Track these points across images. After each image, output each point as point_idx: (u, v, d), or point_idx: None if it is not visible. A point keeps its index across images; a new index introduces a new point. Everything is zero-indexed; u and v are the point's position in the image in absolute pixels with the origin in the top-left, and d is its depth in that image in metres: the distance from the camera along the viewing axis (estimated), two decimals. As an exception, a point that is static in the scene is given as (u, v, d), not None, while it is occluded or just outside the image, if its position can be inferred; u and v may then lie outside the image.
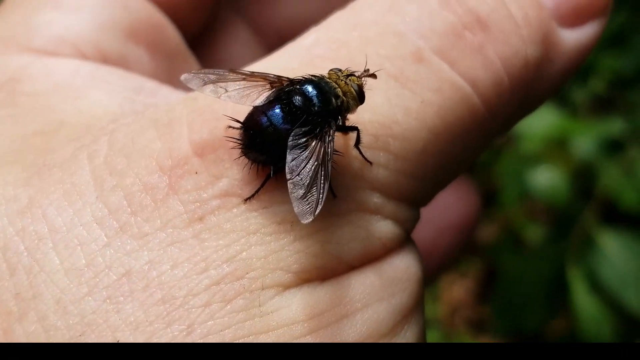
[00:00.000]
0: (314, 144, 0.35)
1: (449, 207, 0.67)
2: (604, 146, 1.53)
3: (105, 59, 0.45)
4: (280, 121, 0.36)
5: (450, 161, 0.38)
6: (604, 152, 1.53)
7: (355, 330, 0.33)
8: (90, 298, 0.32)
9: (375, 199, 0.36)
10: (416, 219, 0.39)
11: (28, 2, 0.45)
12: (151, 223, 0.34)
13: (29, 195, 0.35)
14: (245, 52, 0.60)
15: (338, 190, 0.36)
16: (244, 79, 0.37)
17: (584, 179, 1.56)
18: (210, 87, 0.37)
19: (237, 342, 0.31)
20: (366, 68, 0.37)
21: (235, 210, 0.34)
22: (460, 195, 0.67)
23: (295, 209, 0.33)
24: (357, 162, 0.36)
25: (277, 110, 0.36)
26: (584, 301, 1.44)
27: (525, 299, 1.46)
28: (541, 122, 1.55)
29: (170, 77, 0.49)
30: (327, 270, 0.34)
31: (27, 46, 0.44)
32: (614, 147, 1.53)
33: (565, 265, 1.46)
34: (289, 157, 0.34)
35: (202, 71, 0.38)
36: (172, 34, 0.50)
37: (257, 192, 0.34)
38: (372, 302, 0.34)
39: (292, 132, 0.35)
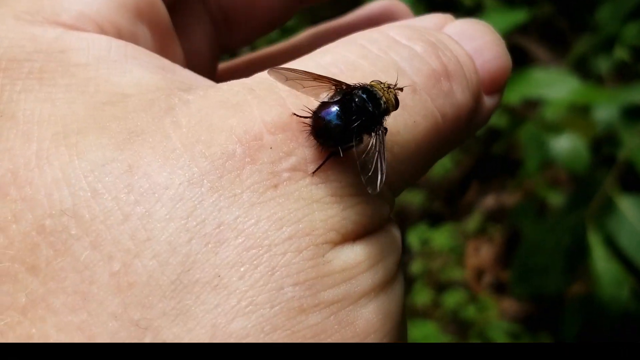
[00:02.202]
0: (372, 135, 0.44)
1: None
2: (626, 113, 1.54)
3: (121, 35, 0.49)
4: (343, 115, 0.44)
5: (422, 163, 0.49)
6: (626, 119, 1.54)
7: (379, 275, 0.42)
8: (194, 241, 0.38)
9: (385, 190, 0.45)
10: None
11: None
12: (237, 185, 0.40)
13: (126, 157, 0.40)
14: (197, 23, 0.64)
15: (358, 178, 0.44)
16: (315, 79, 0.44)
17: (606, 146, 1.57)
18: (291, 82, 0.44)
19: (308, 282, 0.39)
20: (396, 82, 0.46)
21: (301, 182, 0.41)
22: None
23: (365, 182, 0.42)
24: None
25: (341, 107, 0.44)
26: (603, 265, 1.47)
27: (545, 263, 1.49)
28: (564, 89, 1.56)
29: (162, 51, 0.53)
30: (357, 234, 0.43)
31: (56, 20, 0.47)
32: (636, 115, 1.54)
33: (585, 230, 1.48)
34: (356, 145, 0.44)
35: (283, 68, 0.44)
36: (164, 13, 0.54)
37: (319, 167, 0.42)
38: (386, 255, 0.44)
39: (354, 126, 0.44)
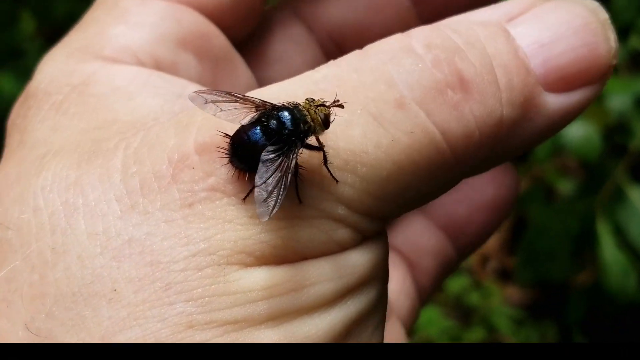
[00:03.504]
0: (281, 159, 0.43)
1: (484, 186, 0.70)
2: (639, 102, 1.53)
3: (159, 65, 0.54)
4: (257, 138, 0.44)
5: (413, 190, 0.44)
6: (639, 109, 1.53)
7: (301, 299, 0.41)
8: (101, 256, 0.40)
9: (340, 211, 0.43)
10: (381, 227, 0.46)
11: (103, 18, 0.54)
12: (153, 204, 0.41)
13: (76, 176, 0.43)
14: (297, 50, 0.67)
15: (306, 200, 0.43)
16: (236, 101, 0.45)
17: (617, 135, 1.56)
18: (210, 105, 0.45)
19: (202, 299, 0.40)
20: (336, 99, 0.44)
21: (217, 202, 0.42)
22: (497, 176, 0.70)
23: (257, 210, 0.41)
24: (327, 179, 0.43)
25: (257, 130, 0.44)
26: (610, 254, 1.46)
27: (551, 250, 1.49)
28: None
29: (215, 79, 0.58)
30: (284, 259, 0.42)
31: (99, 54, 0.52)
32: (650, 104, 1.52)
33: (594, 218, 1.47)
34: (260, 168, 0.42)
35: (206, 90, 0.45)
36: (218, 40, 0.58)
37: (248, 194, 0.42)
38: (321, 280, 0.42)
39: (265, 148, 0.43)
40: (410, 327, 0.70)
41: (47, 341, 0.39)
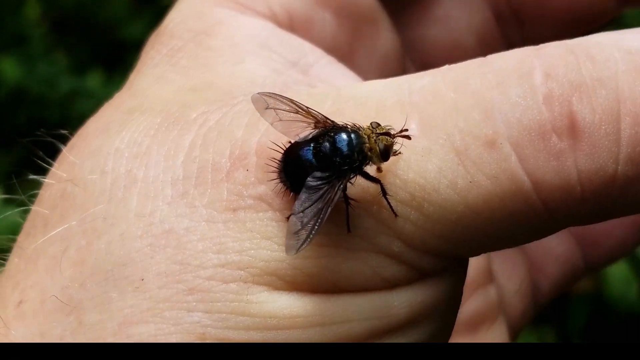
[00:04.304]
0: (325, 188, 0.39)
1: None
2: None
3: (292, 20, 0.51)
4: (307, 159, 0.40)
5: (490, 237, 0.39)
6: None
7: (326, 336, 0.38)
8: (139, 240, 0.39)
9: (395, 247, 0.39)
10: (449, 264, 0.41)
11: None
12: (201, 198, 0.40)
13: (147, 144, 0.42)
14: (465, 11, 0.60)
15: (357, 230, 0.39)
16: (297, 112, 0.41)
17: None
18: (270, 112, 0.41)
19: (220, 314, 0.37)
20: (405, 128, 0.39)
21: (261, 214, 0.39)
22: None
23: (285, 242, 0.38)
24: (386, 211, 0.39)
25: (308, 150, 0.40)
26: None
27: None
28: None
29: (351, 41, 0.54)
30: (318, 288, 0.39)
31: None
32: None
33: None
34: (301, 196, 0.39)
35: (271, 94, 0.42)
36: (364, 3, 0.54)
37: (291, 214, 0.39)
38: (354, 319, 0.38)
39: (313, 173, 0.40)
40: (519, 331, 0.66)
41: (73, 313, 0.38)
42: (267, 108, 0.41)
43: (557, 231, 0.41)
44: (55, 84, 1.74)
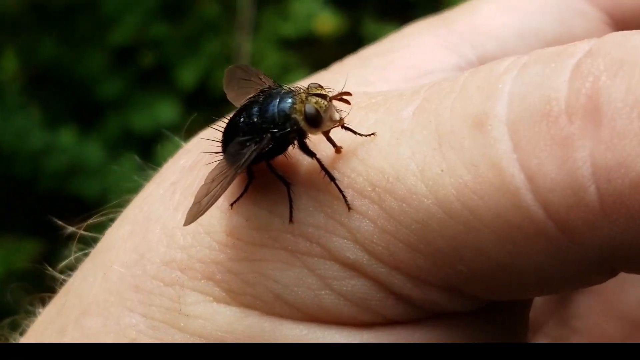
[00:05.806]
0: (244, 151, 0.33)
1: None
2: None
3: None
4: (236, 126, 0.35)
5: (485, 261, 0.29)
6: None
7: None
8: (127, 224, 0.37)
9: (350, 253, 0.30)
10: (456, 303, 0.31)
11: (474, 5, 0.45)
12: (181, 182, 0.37)
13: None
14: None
15: (302, 227, 0.32)
16: (251, 81, 0.38)
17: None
18: (235, 81, 0.39)
19: (154, 321, 0.33)
20: (343, 90, 0.33)
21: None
22: None
23: (188, 212, 0.32)
24: (338, 203, 0.31)
25: (238, 118, 0.35)
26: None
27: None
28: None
29: None
30: (264, 304, 0.32)
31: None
32: None
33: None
34: (219, 163, 0.34)
35: (243, 66, 0.38)
36: None
37: (238, 198, 0.34)
38: None
39: (236, 140, 0.34)
40: None
41: (68, 295, 0.37)
42: (233, 79, 0.39)
43: (600, 268, 0.29)
44: (28, 139, 1.72)
